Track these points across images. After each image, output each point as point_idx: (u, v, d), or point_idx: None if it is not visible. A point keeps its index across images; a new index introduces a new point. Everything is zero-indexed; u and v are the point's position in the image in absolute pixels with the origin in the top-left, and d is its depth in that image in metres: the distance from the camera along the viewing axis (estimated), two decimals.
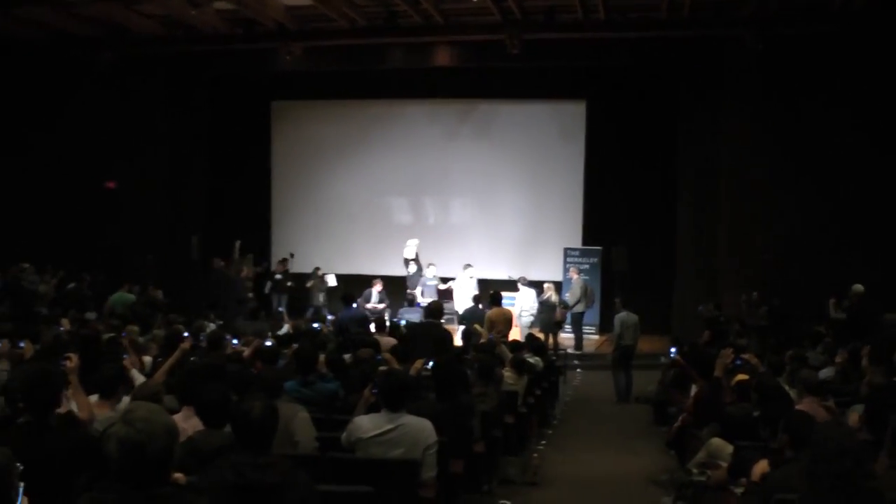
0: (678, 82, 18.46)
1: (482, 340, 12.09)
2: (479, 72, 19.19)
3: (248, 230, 20.25)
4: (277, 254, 20.56)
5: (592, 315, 18.01)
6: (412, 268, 18.37)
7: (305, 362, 7.15)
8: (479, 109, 20.53)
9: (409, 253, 18.58)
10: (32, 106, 17.61)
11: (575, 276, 17.20)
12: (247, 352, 8.67)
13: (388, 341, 9.94)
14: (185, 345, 7.93)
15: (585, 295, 16.93)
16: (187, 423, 5.06)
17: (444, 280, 18.10)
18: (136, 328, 10.56)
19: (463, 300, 16.63)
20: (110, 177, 18.86)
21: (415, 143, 20.58)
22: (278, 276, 18.88)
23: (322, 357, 7.73)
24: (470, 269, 17.87)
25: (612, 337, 13.90)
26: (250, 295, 18.11)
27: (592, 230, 19.50)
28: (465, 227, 20.39)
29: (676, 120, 18.55)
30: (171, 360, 7.53)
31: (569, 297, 16.96)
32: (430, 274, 18.04)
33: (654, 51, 17.40)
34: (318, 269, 19.12)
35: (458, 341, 11.39)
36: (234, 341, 9.57)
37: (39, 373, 4.22)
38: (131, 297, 15.35)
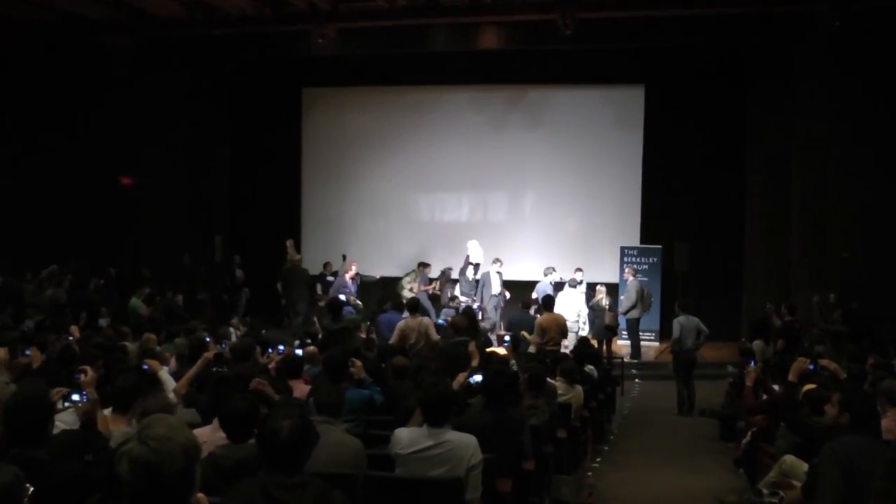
0: (746, 64, 18.35)
1: (531, 348, 12.18)
2: (529, 55, 19.15)
3: (275, 228, 20.31)
4: (308, 253, 20.47)
5: (650, 320, 17.92)
6: (471, 272, 18.07)
7: (335, 370, 7.17)
8: (528, 96, 20.44)
9: (477, 255, 18.23)
10: (44, 96, 17.57)
11: (630, 278, 17.12)
12: (271, 364, 8.67)
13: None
14: (209, 354, 8.00)
15: (642, 299, 16.81)
16: (215, 435, 5.10)
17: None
18: (152, 336, 10.56)
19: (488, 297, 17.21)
20: (127, 172, 18.95)
21: (458, 134, 20.51)
22: (329, 278, 18.80)
23: (358, 363, 7.78)
24: (497, 263, 17.84)
25: (671, 343, 13.76)
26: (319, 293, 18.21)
27: (651, 227, 19.40)
28: (511, 224, 20.34)
29: (744, 106, 18.44)
30: (192, 371, 7.57)
31: (623, 300, 16.84)
32: (471, 274, 18.02)
33: (718, 29, 17.22)
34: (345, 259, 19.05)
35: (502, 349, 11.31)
36: (280, 349, 9.48)
37: (20, 400, 4.22)
38: (139, 303, 15.39)
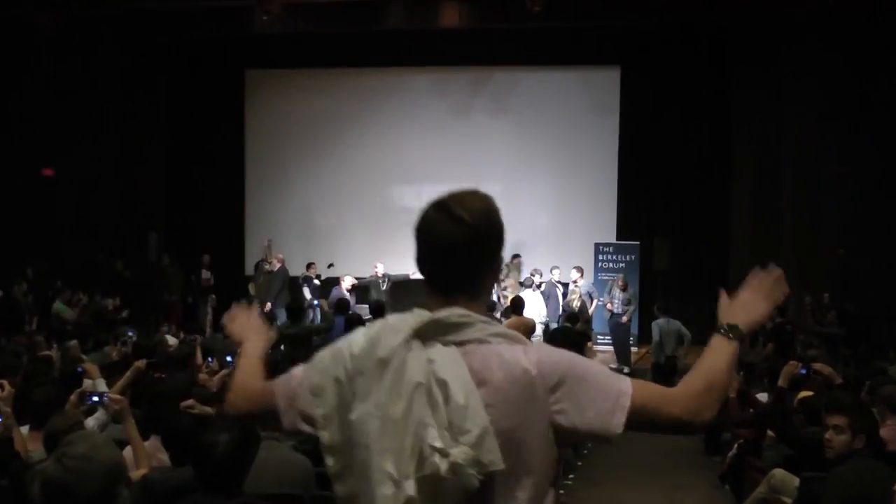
0: (731, 44, 18.42)
1: None
2: (494, 34, 19.17)
3: (217, 225, 20.31)
4: (253, 253, 20.55)
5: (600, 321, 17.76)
6: None
7: None
8: (493, 79, 20.49)
9: None
10: None
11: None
12: (213, 381, 8.45)
13: None
14: (140, 363, 7.78)
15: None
16: (161, 455, 5.06)
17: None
18: (74, 343, 10.44)
19: None
20: (49, 162, 18.54)
21: (417, 120, 20.52)
22: (316, 282, 18.64)
23: None
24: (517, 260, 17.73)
25: (651, 348, 13.80)
26: None
27: (628, 222, 19.48)
28: None
29: (729, 90, 18.55)
30: (121, 381, 7.37)
31: (611, 299, 16.66)
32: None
33: (700, 6, 17.28)
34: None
35: None
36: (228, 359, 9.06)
37: None
38: (64, 307, 15.21)
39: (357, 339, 2.24)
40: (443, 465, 2.00)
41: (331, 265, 18.86)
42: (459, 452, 2.01)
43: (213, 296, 19.00)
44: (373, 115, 20.65)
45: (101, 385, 7.11)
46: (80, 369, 7.69)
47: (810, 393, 7.26)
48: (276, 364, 7.14)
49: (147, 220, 20.14)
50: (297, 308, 12.59)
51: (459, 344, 2.16)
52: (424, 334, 2.16)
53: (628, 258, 18.50)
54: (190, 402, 5.89)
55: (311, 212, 21.02)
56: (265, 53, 20.60)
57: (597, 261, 18.45)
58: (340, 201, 20.90)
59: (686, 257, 18.33)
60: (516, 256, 17.88)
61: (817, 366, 7.60)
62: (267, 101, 21.42)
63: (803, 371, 7.24)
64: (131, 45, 19.36)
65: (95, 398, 5.55)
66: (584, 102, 19.91)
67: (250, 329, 2.76)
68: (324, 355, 2.30)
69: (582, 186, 19.83)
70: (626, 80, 19.69)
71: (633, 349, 17.93)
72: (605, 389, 2.18)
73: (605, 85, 19.83)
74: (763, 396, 8.42)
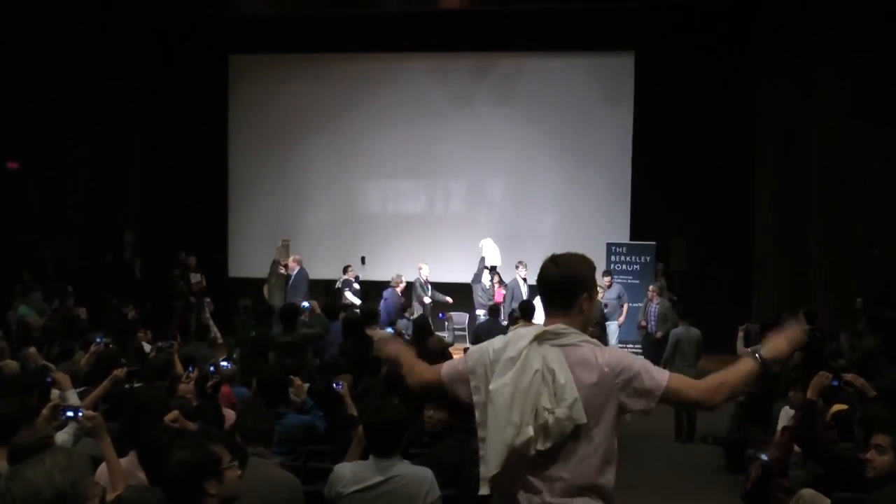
0: (756, 28, 18.37)
1: None
2: (499, 16, 19.19)
3: (198, 223, 20.26)
4: (238, 252, 20.62)
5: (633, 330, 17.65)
6: (487, 278, 17.97)
7: (270, 390, 7.21)
8: (498, 66, 20.49)
9: (493, 257, 18.24)
10: None
11: (611, 287, 16.99)
12: (183, 386, 8.29)
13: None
14: (120, 372, 7.92)
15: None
16: (139, 473, 5.05)
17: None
18: (32, 350, 10.44)
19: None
20: (12, 155, 18.21)
21: (415, 110, 20.54)
22: (356, 285, 18.48)
23: (299, 382, 7.78)
24: (522, 268, 17.62)
25: (666, 358, 13.70)
26: None
27: (643, 221, 19.43)
28: (477, 216, 20.38)
29: (752, 76, 18.48)
30: (98, 391, 7.46)
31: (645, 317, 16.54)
32: (487, 280, 17.96)
33: None
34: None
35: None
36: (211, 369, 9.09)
37: None
38: (28, 310, 15.10)
39: (496, 341, 3.80)
40: (550, 418, 3.52)
41: (363, 259, 18.88)
42: (560, 411, 3.52)
43: (209, 299, 19.01)
44: (367, 105, 20.63)
45: (73, 397, 7.32)
46: (49, 379, 7.70)
47: (844, 406, 7.18)
48: (267, 378, 7.30)
49: (122, 218, 20.03)
50: (291, 312, 12.42)
51: (562, 346, 3.66)
52: (541, 339, 3.67)
53: (643, 260, 18.40)
54: (173, 414, 5.86)
55: (299, 208, 21.01)
56: (251, 37, 20.56)
57: (609, 262, 18.25)
58: (331, 197, 20.90)
59: (706, 259, 18.32)
60: (493, 269, 18.14)
61: (849, 377, 7.52)
62: (252, 88, 21.36)
63: (835, 383, 7.16)
64: (104, 26, 19.15)
65: (70, 413, 5.54)
66: (596, 91, 19.85)
67: (400, 348, 4.38)
68: (474, 350, 3.93)
69: (593, 182, 19.81)
70: (640, 66, 19.65)
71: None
72: (649, 381, 3.62)
73: (618, 72, 19.79)
74: (785, 412, 8.39)
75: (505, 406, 3.58)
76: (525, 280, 17.23)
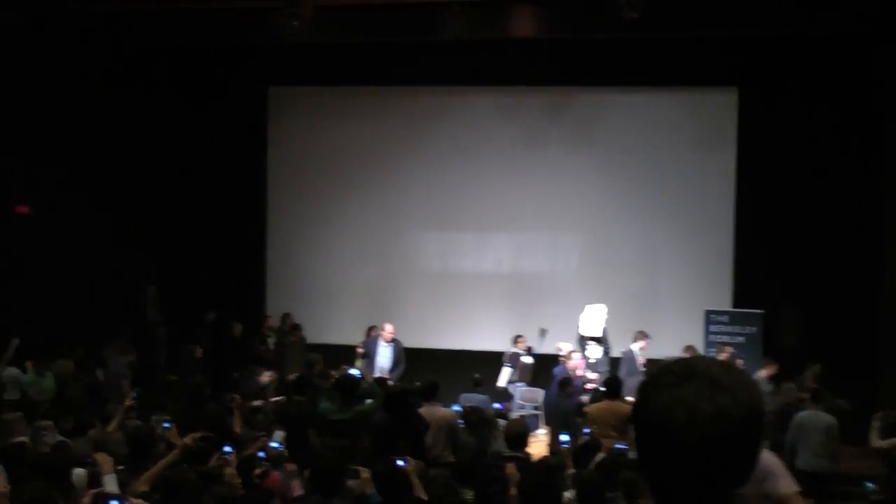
0: (884, 60, 17.85)
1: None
2: (578, 46, 18.91)
3: (230, 277, 20.21)
4: (275, 309, 20.43)
5: None
6: (594, 351, 17.68)
7: (325, 480, 7.46)
8: (576, 103, 20.33)
9: (591, 326, 17.96)
10: None
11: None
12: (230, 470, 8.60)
13: None
14: (188, 439, 8.48)
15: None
16: None
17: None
18: (48, 423, 10.67)
19: None
20: (23, 198, 17.93)
21: (480, 153, 20.38)
22: (528, 358, 18.29)
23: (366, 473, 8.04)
24: (642, 340, 17.55)
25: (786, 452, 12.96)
26: None
27: (748, 285, 19.06)
28: (553, 277, 20.20)
29: (879, 117, 18.02)
30: (161, 465, 7.88)
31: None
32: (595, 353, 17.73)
33: (845, 8, 16.81)
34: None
35: None
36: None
37: None
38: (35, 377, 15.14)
39: None
40: None
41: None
42: None
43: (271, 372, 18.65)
44: (424, 146, 20.70)
45: (112, 483, 7.58)
46: (88, 461, 8.13)
47: None
48: (323, 465, 7.27)
49: (143, 271, 19.96)
50: (350, 384, 12.19)
51: None
52: None
53: (748, 331, 18.24)
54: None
55: (346, 262, 20.89)
56: (293, 68, 20.60)
57: (707, 332, 18.31)
58: (383, 250, 20.81)
59: (822, 330, 17.76)
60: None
61: None
62: (294, 125, 21.40)
63: None
64: (130, 54, 19.30)
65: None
66: (691, 132, 19.64)
67: None
68: None
69: (687, 238, 19.56)
70: (745, 104, 19.33)
71: None
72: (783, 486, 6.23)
73: (718, 110, 19.60)
74: None
75: None
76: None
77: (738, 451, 2.14)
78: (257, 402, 14.93)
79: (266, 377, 16.48)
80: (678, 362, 2.23)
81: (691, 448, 2.10)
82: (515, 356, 18.03)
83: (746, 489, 2.22)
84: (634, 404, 2.22)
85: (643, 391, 2.20)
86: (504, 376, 17.78)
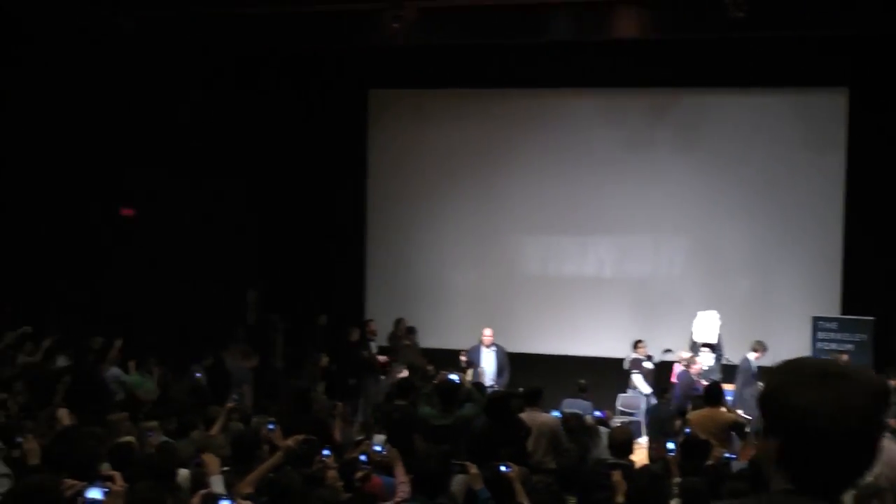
0: None
1: None
2: (683, 47, 18.74)
3: (329, 280, 20.29)
4: (374, 314, 20.43)
5: None
6: (706, 358, 17.49)
7: (429, 484, 7.53)
8: (681, 104, 20.20)
9: (704, 332, 17.87)
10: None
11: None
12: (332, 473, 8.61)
13: None
14: (291, 441, 8.52)
15: None
16: None
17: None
18: (154, 424, 10.98)
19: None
20: (126, 200, 18.16)
21: (582, 155, 20.26)
22: (649, 364, 18.17)
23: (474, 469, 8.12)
24: (758, 350, 17.21)
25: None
26: None
27: (858, 290, 18.74)
28: (657, 281, 20.04)
29: None
30: (265, 466, 8.03)
31: None
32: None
33: None
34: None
35: None
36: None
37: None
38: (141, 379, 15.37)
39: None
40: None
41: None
42: (871, 479, 6.32)
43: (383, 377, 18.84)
44: (526, 148, 20.60)
45: (219, 484, 7.64)
46: (196, 461, 8.17)
47: None
48: (426, 468, 7.47)
49: (246, 274, 20.15)
50: (451, 390, 11.95)
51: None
52: None
53: (858, 338, 17.93)
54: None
55: (445, 266, 20.93)
56: (395, 70, 20.60)
57: (815, 340, 18.01)
58: (483, 254, 20.78)
59: None
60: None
61: None
62: (395, 127, 21.45)
63: None
64: (230, 59, 19.55)
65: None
66: (799, 134, 19.37)
67: None
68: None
69: (795, 242, 19.30)
70: (855, 105, 19.02)
71: None
72: None
73: (827, 111, 19.36)
74: None
75: None
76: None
77: (870, 442, 2.37)
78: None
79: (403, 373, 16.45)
80: (808, 362, 2.47)
81: (837, 441, 2.32)
82: (638, 361, 17.86)
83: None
84: (768, 401, 2.40)
85: (781, 389, 2.39)
86: (640, 382, 17.60)
